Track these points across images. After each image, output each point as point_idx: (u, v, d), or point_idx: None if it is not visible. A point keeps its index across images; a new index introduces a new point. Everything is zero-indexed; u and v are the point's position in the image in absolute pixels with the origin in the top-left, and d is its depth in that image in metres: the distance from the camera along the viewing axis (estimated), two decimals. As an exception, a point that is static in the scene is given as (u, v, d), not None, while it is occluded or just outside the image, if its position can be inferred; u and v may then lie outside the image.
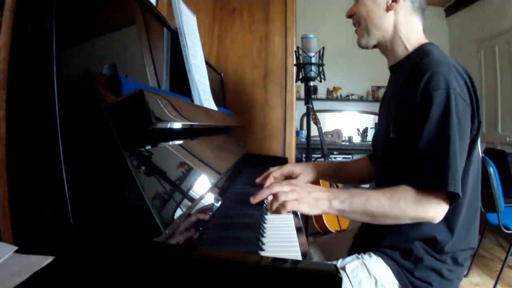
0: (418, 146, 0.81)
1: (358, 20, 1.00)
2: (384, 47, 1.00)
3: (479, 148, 0.92)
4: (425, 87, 0.82)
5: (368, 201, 0.81)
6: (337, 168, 1.26)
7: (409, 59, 0.95)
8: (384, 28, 0.96)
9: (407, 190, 0.81)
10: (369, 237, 1.00)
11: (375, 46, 1.01)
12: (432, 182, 0.79)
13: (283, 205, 0.80)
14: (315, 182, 1.17)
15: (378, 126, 1.15)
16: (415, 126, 0.83)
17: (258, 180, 1.10)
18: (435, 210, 0.81)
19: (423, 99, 0.82)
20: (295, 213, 0.85)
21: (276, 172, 1.11)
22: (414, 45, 0.96)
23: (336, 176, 1.27)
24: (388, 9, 0.95)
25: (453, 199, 0.81)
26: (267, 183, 1.06)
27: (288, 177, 1.14)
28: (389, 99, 1.01)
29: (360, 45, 1.02)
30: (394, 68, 1.02)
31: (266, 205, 0.92)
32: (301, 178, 1.13)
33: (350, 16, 1.03)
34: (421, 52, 0.92)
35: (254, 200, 0.85)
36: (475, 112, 0.85)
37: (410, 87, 0.86)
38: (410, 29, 0.96)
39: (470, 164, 0.87)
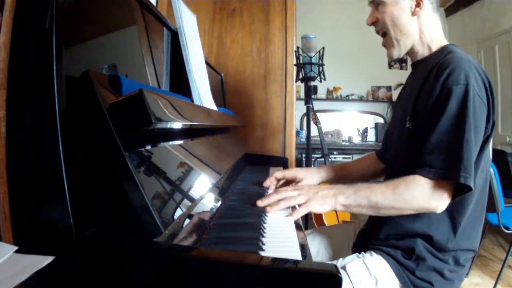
0: (432, 137, 0.82)
1: (383, 29, 0.99)
2: (410, 51, 1.01)
3: (490, 149, 0.93)
4: (446, 80, 0.83)
5: (372, 194, 0.84)
6: (340, 170, 1.25)
7: (433, 57, 0.97)
8: (411, 33, 0.97)
9: (411, 180, 0.83)
10: (371, 236, 1.00)
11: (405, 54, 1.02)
12: (443, 173, 0.80)
13: (296, 211, 0.83)
14: None
15: (392, 122, 1.14)
16: (431, 118, 0.84)
17: (266, 183, 1.12)
18: (438, 201, 0.82)
19: (442, 92, 0.84)
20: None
21: (278, 173, 1.13)
22: (437, 46, 0.98)
23: (340, 179, 1.26)
24: (413, 14, 0.95)
25: (462, 192, 0.81)
26: (268, 183, 1.09)
27: (291, 181, 1.15)
28: (408, 93, 1.02)
29: (392, 57, 1.01)
30: (416, 65, 1.03)
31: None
32: (304, 182, 1.14)
33: (372, 23, 1.01)
34: (445, 51, 0.94)
35: (262, 203, 0.86)
36: (490, 113, 0.86)
37: (430, 80, 0.88)
38: (433, 30, 0.98)
39: (481, 164, 0.88)
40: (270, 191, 1.09)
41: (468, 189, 0.79)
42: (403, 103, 1.03)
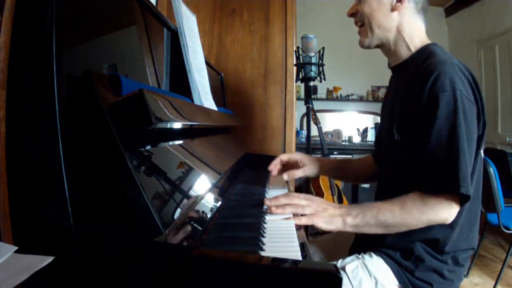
0: (427, 150, 0.81)
1: (361, 19, 0.98)
2: (387, 48, 1.00)
3: (482, 148, 0.92)
4: (432, 88, 0.82)
5: (380, 213, 0.83)
6: (341, 164, 1.28)
7: (413, 59, 0.95)
8: (388, 28, 0.96)
9: (417, 196, 0.82)
10: (370, 237, 1.00)
11: (377, 46, 1.01)
12: (443, 186, 0.80)
13: (298, 218, 0.83)
14: (316, 178, 1.22)
15: (380, 127, 1.14)
16: (421, 129, 0.83)
17: (270, 167, 1.16)
18: (447, 212, 0.82)
19: (429, 101, 0.82)
20: (294, 214, 0.86)
21: (285, 155, 1.17)
22: (417, 46, 0.96)
23: (340, 172, 1.27)
24: (392, 9, 0.94)
25: (463, 200, 0.81)
26: (272, 166, 1.15)
27: (295, 164, 1.18)
28: (392, 99, 1.01)
29: (362, 45, 1.01)
30: (397, 69, 1.02)
31: (266, 208, 0.92)
32: (306, 169, 1.16)
33: (352, 14, 1.01)
34: (426, 53, 0.92)
35: (270, 203, 0.86)
36: (480, 112, 0.85)
37: (415, 87, 0.86)
38: (414, 30, 0.96)
39: (475, 164, 0.87)
40: (273, 174, 1.16)
41: (468, 197, 0.79)
42: (389, 111, 1.02)
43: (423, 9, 0.97)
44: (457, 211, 0.82)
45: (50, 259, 0.39)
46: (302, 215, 0.84)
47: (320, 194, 2.81)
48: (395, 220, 0.82)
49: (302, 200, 0.86)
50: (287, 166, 1.19)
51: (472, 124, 0.82)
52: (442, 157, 0.80)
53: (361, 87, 4.78)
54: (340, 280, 0.43)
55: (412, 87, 0.88)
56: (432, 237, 0.89)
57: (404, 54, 0.98)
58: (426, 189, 0.82)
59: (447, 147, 0.80)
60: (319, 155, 3.53)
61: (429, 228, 0.88)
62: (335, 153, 4.13)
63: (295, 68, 1.97)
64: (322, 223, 0.83)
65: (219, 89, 1.76)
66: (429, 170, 0.82)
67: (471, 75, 0.86)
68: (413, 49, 0.96)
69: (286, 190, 1.18)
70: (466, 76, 0.85)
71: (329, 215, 0.84)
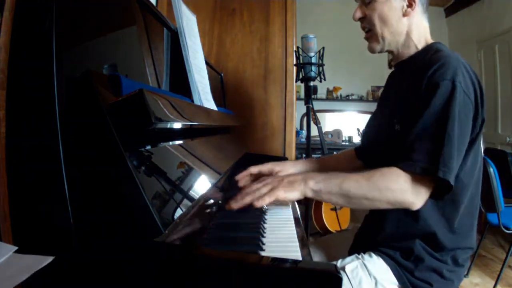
0: (414, 130, 0.80)
1: (371, 26, 0.97)
2: (395, 51, 1.00)
3: (481, 146, 0.92)
4: (432, 75, 0.82)
5: (345, 181, 0.80)
6: (316, 163, 1.22)
7: (418, 56, 0.96)
8: (399, 33, 0.96)
9: (388, 171, 0.80)
10: (370, 236, 1.00)
11: (386, 51, 1.00)
12: (421, 167, 0.77)
13: (262, 197, 0.77)
14: None
15: (374, 123, 1.12)
16: (415, 112, 0.82)
17: (239, 181, 1.02)
18: (414, 196, 0.79)
19: (428, 87, 0.82)
20: (294, 212, 0.86)
21: (254, 168, 1.05)
22: (423, 44, 0.97)
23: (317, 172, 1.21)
24: (404, 14, 0.94)
25: (444, 189, 0.79)
26: (239, 177, 1.02)
27: (269, 175, 1.07)
28: (394, 94, 1.00)
29: (373, 51, 1.00)
30: (401, 65, 1.02)
31: (266, 208, 0.92)
32: (280, 174, 1.07)
33: (359, 19, 0.98)
34: (432, 50, 0.92)
35: (236, 206, 0.78)
36: (479, 110, 0.85)
37: (417, 78, 0.86)
38: (421, 31, 0.97)
39: (474, 162, 0.87)
40: (239, 184, 1.00)
41: (448, 186, 0.77)
42: (389, 103, 1.01)
43: (427, 8, 0.98)
44: (425, 199, 0.80)
45: (50, 259, 0.39)
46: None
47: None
48: (359, 191, 0.79)
49: (257, 184, 0.81)
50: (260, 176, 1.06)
51: (465, 119, 0.81)
52: (427, 140, 0.79)
53: (361, 87, 4.78)
54: (340, 280, 0.43)
55: (414, 78, 0.88)
56: (431, 233, 0.88)
57: (411, 52, 0.98)
58: (403, 167, 0.79)
59: (435, 132, 0.78)
60: (319, 155, 3.54)
61: (428, 224, 0.88)
62: (335, 153, 4.13)
63: (295, 68, 1.97)
64: (283, 194, 0.78)
65: (219, 89, 1.76)
66: (411, 149, 0.79)
67: (474, 74, 0.87)
68: (420, 47, 0.97)
69: None
70: (469, 73, 0.85)
71: (288, 182, 0.80)
